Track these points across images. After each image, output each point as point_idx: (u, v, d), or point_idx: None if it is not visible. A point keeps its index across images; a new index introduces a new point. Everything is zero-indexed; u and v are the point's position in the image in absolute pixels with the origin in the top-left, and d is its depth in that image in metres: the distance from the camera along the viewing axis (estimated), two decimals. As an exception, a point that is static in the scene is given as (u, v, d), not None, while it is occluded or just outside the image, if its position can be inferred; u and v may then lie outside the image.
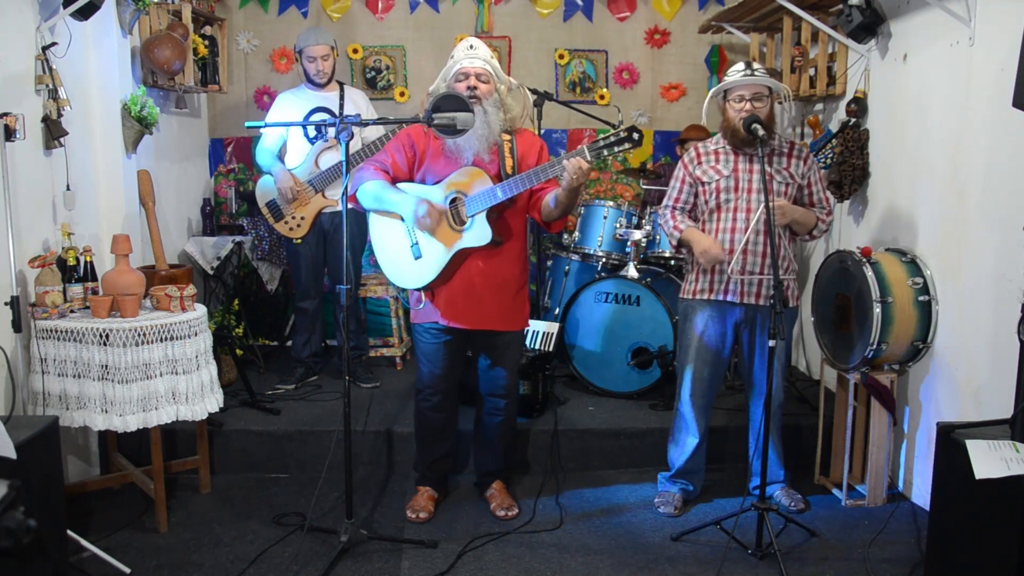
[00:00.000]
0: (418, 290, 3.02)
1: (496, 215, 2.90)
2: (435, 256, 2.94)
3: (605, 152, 2.69)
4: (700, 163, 3.15)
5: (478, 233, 2.88)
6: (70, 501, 3.02)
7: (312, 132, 4.13)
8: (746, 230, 3.04)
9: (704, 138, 4.63)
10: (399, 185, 3.00)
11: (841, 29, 3.81)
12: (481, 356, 3.17)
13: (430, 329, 3.06)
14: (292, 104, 4.13)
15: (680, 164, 3.22)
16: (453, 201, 2.91)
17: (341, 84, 4.22)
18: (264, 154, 4.14)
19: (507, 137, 2.95)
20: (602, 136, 2.73)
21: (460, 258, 2.94)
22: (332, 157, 4.08)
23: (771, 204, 2.86)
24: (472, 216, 2.88)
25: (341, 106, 4.16)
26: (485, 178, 2.87)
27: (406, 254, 2.99)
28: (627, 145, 2.67)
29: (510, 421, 3.27)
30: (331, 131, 4.03)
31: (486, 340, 3.10)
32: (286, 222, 4.13)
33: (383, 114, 4.82)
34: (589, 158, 2.69)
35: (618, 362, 4.13)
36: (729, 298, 3.10)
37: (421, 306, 3.02)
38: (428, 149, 2.98)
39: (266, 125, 3.54)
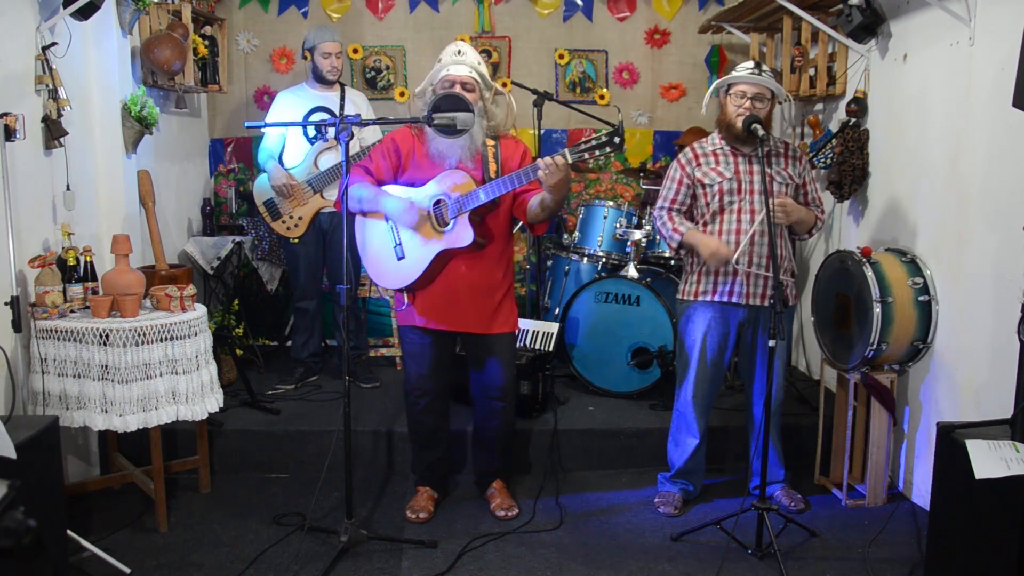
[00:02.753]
0: (400, 291, 3.03)
1: (479, 218, 2.91)
2: (418, 257, 2.95)
3: (586, 155, 2.69)
4: (699, 164, 3.14)
5: (460, 235, 2.89)
6: (70, 501, 3.02)
7: (312, 132, 4.14)
8: (751, 232, 3.03)
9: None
10: (385, 187, 3.01)
11: (841, 29, 3.81)
12: (472, 359, 3.18)
13: (414, 329, 3.07)
14: (292, 103, 4.13)
15: (675, 165, 3.20)
16: (437, 203, 2.92)
17: (342, 85, 4.23)
18: (263, 153, 4.16)
19: (491, 143, 2.97)
20: (584, 139, 2.73)
21: (443, 260, 2.95)
22: (331, 158, 4.08)
23: (772, 205, 2.87)
24: (454, 218, 2.88)
25: (341, 106, 4.16)
26: (469, 181, 2.87)
27: (389, 255, 3.00)
28: (608, 149, 2.67)
29: (507, 423, 3.26)
30: (331, 131, 4.05)
31: (474, 343, 3.11)
32: (283, 221, 4.13)
33: (383, 114, 4.84)
34: (570, 159, 2.69)
35: (618, 362, 4.13)
36: (734, 299, 3.10)
37: (403, 307, 3.04)
38: (412, 153, 3.00)
39: (266, 125, 3.55)
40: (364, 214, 3.04)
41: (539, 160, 2.71)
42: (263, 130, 4.18)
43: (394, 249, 2.98)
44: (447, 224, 2.91)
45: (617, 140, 2.65)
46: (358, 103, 4.25)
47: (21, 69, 3.03)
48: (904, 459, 3.45)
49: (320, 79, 4.13)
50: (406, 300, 3.04)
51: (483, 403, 3.21)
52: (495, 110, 3.01)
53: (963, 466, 2.22)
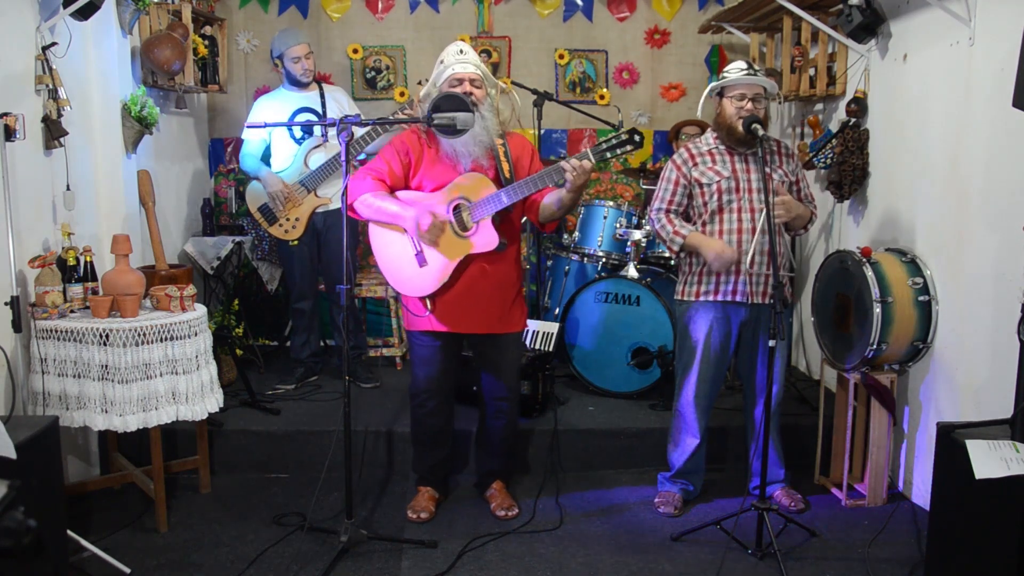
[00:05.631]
0: (423, 297, 3.00)
1: (499, 219, 2.90)
2: (442, 263, 2.93)
3: (608, 155, 2.73)
4: (696, 164, 3.14)
5: (485, 238, 2.88)
6: (70, 501, 3.02)
7: (298, 133, 4.13)
8: (752, 230, 3.03)
9: (694, 124, 4.70)
10: (400, 194, 2.99)
11: (841, 29, 3.81)
12: (483, 360, 3.17)
13: (426, 333, 3.06)
14: (272, 107, 4.13)
15: (671, 165, 3.19)
16: (456, 208, 2.91)
17: (319, 83, 4.23)
18: (249, 159, 4.15)
19: (499, 141, 2.96)
20: (603, 139, 2.74)
21: (464, 263, 2.94)
22: (321, 156, 4.08)
23: (772, 204, 2.87)
24: (478, 222, 2.88)
25: (323, 105, 4.16)
26: (489, 184, 2.87)
27: (410, 262, 2.97)
28: (629, 147, 2.70)
29: (512, 422, 3.27)
30: (318, 130, 4.06)
31: (488, 343, 3.10)
32: (280, 225, 4.12)
33: (382, 114, 4.83)
34: (592, 159, 2.71)
35: (618, 362, 4.13)
36: (738, 298, 3.10)
37: (425, 314, 3.01)
38: (423, 155, 2.98)
39: (266, 125, 3.53)
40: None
41: (567, 164, 2.72)
42: (243, 136, 4.18)
43: (415, 256, 2.95)
44: (469, 229, 2.90)
45: (637, 138, 2.68)
46: (341, 100, 4.25)
47: (21, 69, 3.03)
48: (904, 459, 3.45)
49: (296, 83, 4.14)
50: (428, 308, 3.00)
51: (492, 403, 3.21)
52: (501, 106, 3.01)
53: (963, 466, 2.22)
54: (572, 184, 2.74)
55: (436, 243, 2.90)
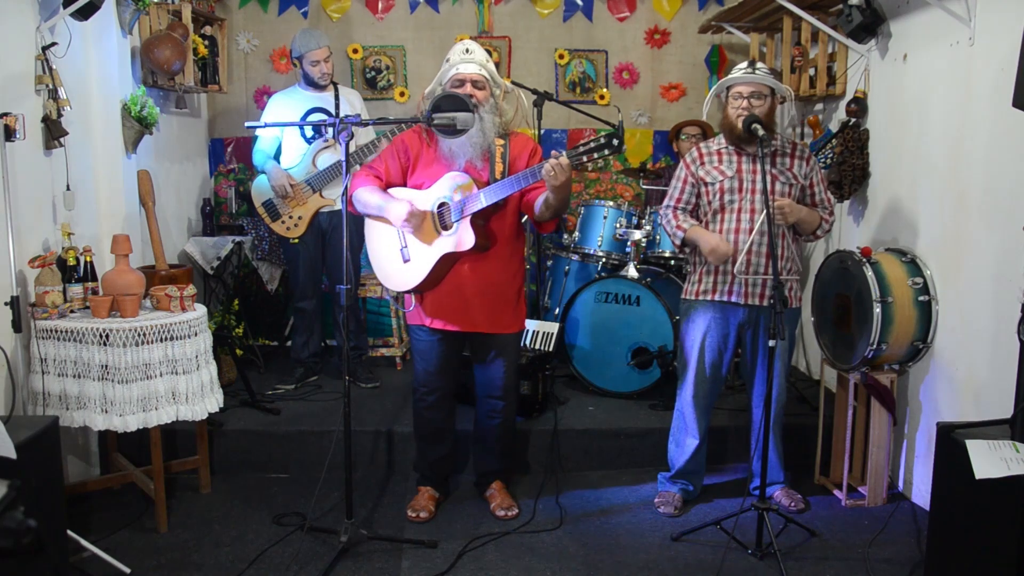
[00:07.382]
0: (407, 293, 3.04)
1: (483, 220, 2.90)
2: (422, 260, 2.96)
3: (584, 157, 2.67)
4: (703, 163, 3.15)
5: (462, 238, 2.89)
6: (70, 501, 3.02)
7: (309, 132, 4.15)
8: (751, 231, 3.04)
9: (694, 124, 4.71)
10: (394, 191, 3.02)
11: (841, 29, 3.81)
12: (477, 359, 3.19)
13: (423, 327, 3.08)
14: (286, 105, 4.14)
15: (682, 164, 3.22)
16: (441, 206, 2.92)
17: (335, 84, 4.24)
18: (260, 155, 4.17)
19: (500, 141, 2.95)
20: (581, 142, 2.71)
21: (447, 262, 2.95)
22: (329, 157, 4.10)
23: (771, 205, 2.87)
24: (456, 221, 2.88)
25: (337, 106, 4.17)
26: (471, 184, 2.87)
27: (395, 257, 3.01)
28: (606, 151, 2.64)
29: (508, 423, 3.27)
30: (329, 131, 4.06)
31: (480, 342, 3.12)
32: (283, 222, 4.13)
33: (382, 114, 4.84)
34: (567, 159, 2.68)
35: (618, 362, 4.13)
36: (733, 299, 3.10)
37: (411, 308, 3.07)
38: (421, 155, 3.00)
39: (267, 125, 3.53)
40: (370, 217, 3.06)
41: (544, 162, 2.70)
42: (257, 132, 4.20)
43: (400, 251, 2.99)
44: (449, 227, 2.91)
45: (616, 142, 2.62)
46: (353, 102, 4.26)
47: (21, 69, 3.03)
48: (904, 459, 3.45)
49: (313, 85, 4.15)
50: (414, 301, 3.07)
51: (485, 402, 3.22)
52: (505, 107, 3.00)
53: (963, 466, 2.22)
54: (550, 183, 2.71)
55: (417, 235, 2.94)
